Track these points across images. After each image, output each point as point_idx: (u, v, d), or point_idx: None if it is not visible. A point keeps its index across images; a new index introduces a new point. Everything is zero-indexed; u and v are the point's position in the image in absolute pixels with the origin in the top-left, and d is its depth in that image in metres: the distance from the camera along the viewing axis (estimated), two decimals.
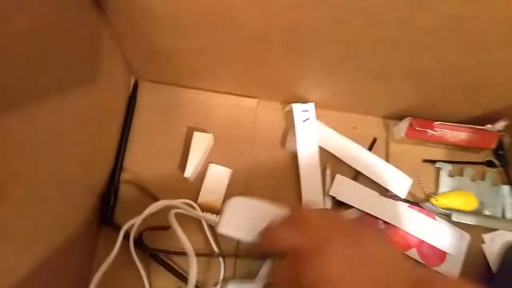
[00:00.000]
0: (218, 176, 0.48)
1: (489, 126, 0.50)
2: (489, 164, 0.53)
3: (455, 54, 0.37)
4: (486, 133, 0.50)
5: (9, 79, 0.24)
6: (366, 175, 0.50)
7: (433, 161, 0.53)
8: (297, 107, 0.49)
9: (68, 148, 0.34)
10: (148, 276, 0.44)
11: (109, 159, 0.46)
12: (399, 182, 0.50)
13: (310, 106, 0.49)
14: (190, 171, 0.46)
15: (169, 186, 0.47)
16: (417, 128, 0.49)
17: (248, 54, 0.42)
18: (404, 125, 0.51)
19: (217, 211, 0.45)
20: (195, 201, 0.46)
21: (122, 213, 0.46)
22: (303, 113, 0.49)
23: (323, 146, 0.50)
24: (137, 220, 0.42)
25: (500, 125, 0.50)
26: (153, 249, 0.44)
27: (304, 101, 0.50)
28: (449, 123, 0.50)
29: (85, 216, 0.41)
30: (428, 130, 0.50)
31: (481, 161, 0.54)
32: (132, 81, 0.51)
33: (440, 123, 0.50)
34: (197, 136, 0.48)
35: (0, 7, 0.21)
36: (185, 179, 0.46)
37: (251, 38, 0.38)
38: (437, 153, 0.53)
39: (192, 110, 0.51)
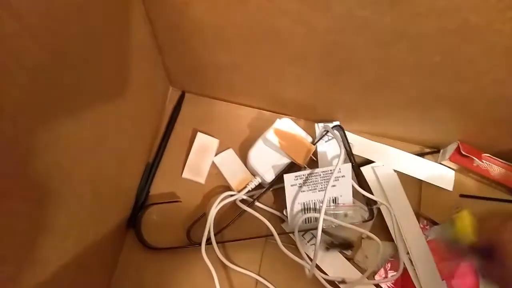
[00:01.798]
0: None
1: None
2: None
3: (496, 83, 0.36)
4: None
5: (63, 78, 0.25)
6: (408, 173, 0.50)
7: (472, 196, 0.50)
8: (320, 127, 0.50)
9: (106, 149, 0.35)
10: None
11: (141, 165, 0.47)
12: (443, 176, 0.50)
13: (336, 126, 0.49)
14: (186, 171, 0.48)
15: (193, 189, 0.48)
16: (463, 153, 0.48)
17: (285, 73, 0.42)
18: (451, 147, 0.49)
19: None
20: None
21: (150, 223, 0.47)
22: (327, 132, 0.48)
23: (357, 153, 0.51)
24: (210, 215, 0.44)
25: None
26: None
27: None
28: (498, 159, 0.49)
29: (115, 219, 0.42)
30: (475, 159, 0.48)
31: None
32: (170, 91, 0.52)
33: (489, 156, 0.49)
34: (200, 137, 0.49)
35: (59, 11, 0.23)
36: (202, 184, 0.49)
37: (290, 58, 0.39)
38: (476, 188, 0.51)
39: (224, 123, 0.52)
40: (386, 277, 0.45)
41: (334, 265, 0.46)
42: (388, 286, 0.45)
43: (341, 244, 0.46)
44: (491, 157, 0.48)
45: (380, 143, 0.52)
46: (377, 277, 0.45)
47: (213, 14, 0.35)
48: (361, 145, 0.51)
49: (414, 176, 0.50)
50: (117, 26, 0.31)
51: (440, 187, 0.50)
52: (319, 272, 0.43)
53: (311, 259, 0.43)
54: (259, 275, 0.45)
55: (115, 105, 0.35)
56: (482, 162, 0.48)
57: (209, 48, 0.41)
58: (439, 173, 0.50)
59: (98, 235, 0.38)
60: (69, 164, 0.29)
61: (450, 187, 0.50)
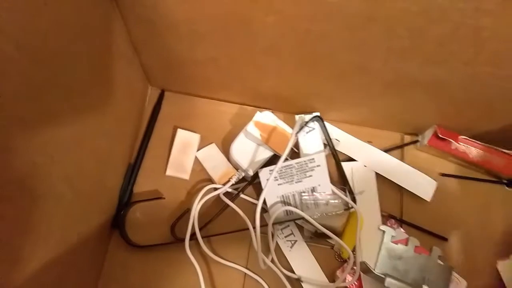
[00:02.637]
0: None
1: None
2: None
3: (466, 65, 0.37)
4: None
5: (34, 74, 0.25)
6: (388, 177, 0.50)
7: (452, 176, 0.51)
8: (300, 118, 0.50)
9: (85, 148, 0.35)
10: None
11: (123, 164, 0.47)
12: (424, 185, 0.49)
13: (315, 116, 0.49)
14: (170, 168, 0.48)
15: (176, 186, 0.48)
16: (441, 137, 0.48)
17: (261, 65, 0.43)
18: (429, 132, 0.50)
19: None
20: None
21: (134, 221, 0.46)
22: (308, 124, 0.49)
23: (342, 151, 0.51)
24: (193, 209, 0.44)
25: None
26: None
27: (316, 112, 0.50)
28: (475, 141, 0.49)
29: (98, 218, 0.41)
30: (453, 142, 0.49)
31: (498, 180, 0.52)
32: (150, 90, 0.52)
33: (466, 138, 0.49)
34: (181, 134, 0.49)
35: (27, 5, 0.23)
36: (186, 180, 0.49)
37: (265, 49, 0.39)
38: (456, 170, 0.52)
39: (206, 120, 0.52)
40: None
41: (302, 262, 0.46)
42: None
43: (323, 234, 0.46)
44: (469, 139, 0.49)
45: (366, 143, 0.52)
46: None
47: (185, 7, 0.35)
48: (347, 142, 0.51)
49: (394, 181, 0.50)
50: (89, 22, 0.31)
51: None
52: (272, 265, 0.44)
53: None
54: (247, 268, 0.45)
55: (92, 103, 0.35)
56: (460, 144, 0.49)
57: (183, 44, 0.41)
58: (420, 182, 0.50)
59: (81, 234, 0.37)
60: (47, 163, 0.29)
61: (428, 198, 0.49)
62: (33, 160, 0.27)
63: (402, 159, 0.52)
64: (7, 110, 0.23)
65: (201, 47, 0.41)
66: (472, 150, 0.49)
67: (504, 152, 0.49)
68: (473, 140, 0.49)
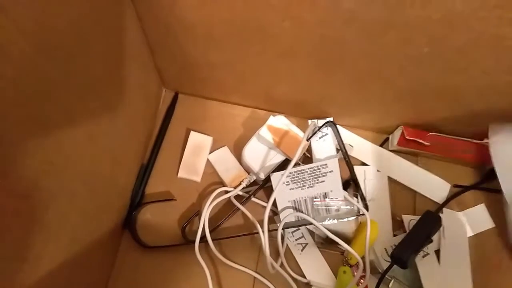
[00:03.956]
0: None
1: (486, 140, 0.47)
2: None
3: (485, 74, 0.37)
4: (481, 147, 0.48)
5: (50, 72, 0.25)
6: (401, 182, 0.50)
7: (463, 186, 0.50)
8: (313, 123, 0.49)
9: (99, 148, 0.35)
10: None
11: (136, 165, 0.47)
12: (437, 188, 0.50)
13: (328, 121, 0.49)
14: (182, 170, 0.48)
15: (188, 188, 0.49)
16: (408, 138, 0.48)
17: (276, 70, 0.43)
18: (397, 133, 0.50)
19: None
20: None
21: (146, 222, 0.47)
22: (321, 129, 0.48)
23: (355, 156, 0.51)
24: (204, 211, 0.44)
25: None
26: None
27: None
28: (443, 135, 0.49)
29: (110, 218, 0.42)
30: (420, 141, 0.49)
31: None
32: (164, 92, 0.53)
33: (433, 134, 0.49)
34: (194, 136, 0.49)
35: (46, 4, 0.23)
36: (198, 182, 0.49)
37: (280, 53, 0.39)
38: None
39: (218, 123, 0.52)
40: None
41: (313, 266, 0.46)
42: None
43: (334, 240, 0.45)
44: (434, 134, 0.49)
45: (380, 148, 0.52)
46: None
47: (201, 11, 0.35)
48: (360, 147, 0.51)
49: (407, 185, 0.50)
50: (106, 22, 0.32)
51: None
52: (281, 269, 0.44)
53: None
54: (256, 272, 0.45)
55: (107, 104, 0.35)
56: (427, 141, 0.49)
57: (199, 47, 0.41)
58: (434, 185, 0.50)
59: (93, 234, 0.38)
60: (62, 162, 0.29)
61: (441, 201, 0.49)
62: (49, 158, 0.27)
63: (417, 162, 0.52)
64: (24, 109, 0.23)
65: (216, 50, 0.41)
66: (439, 145, 0.49)
67: (473, 142, 0.49)
68: (440, 135, 0.49)
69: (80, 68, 0.29)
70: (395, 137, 0.51)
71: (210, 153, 0.50)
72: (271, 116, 0.47)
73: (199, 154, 0.49)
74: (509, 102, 0.41)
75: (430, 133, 0.49)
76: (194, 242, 0.43)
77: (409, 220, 0.48)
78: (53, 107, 0.26)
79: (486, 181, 0.51)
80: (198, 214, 0.45)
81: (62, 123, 0.28)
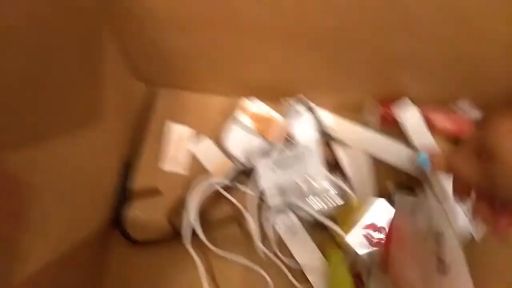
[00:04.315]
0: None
1: (452, 106, 0.50)
2: None
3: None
4: (460, 120, 0.50)
5: (28, 71, 0.25)
6: (382, 158, 0.51)
7: None
8: (291, 106, 0.50)
9: (80, 144, 0.35)
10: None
11: (119, 162, 0.47)
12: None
13: (307, 103, 0.50)
14: (165, 163, 0.48)
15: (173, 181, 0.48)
16: (385, 116, 0.50)
17: (248, 53, 0.43)
18: (374, 110, 0.51)
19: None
20: None
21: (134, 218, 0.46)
22: (299, 111, 0.49)
23: (335, 136, 0.51)
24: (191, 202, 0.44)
25: (475, 113, 0.49)
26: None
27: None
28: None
29: (97, 216, 0.41)
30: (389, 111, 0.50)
31: None
32: (139, 87, 0.52)
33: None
34: (174, 128, 0.49)
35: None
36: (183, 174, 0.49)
37: (250, 34, 0.39)
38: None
39: (197, 113, 0.52)
40: None
41: (303, 250, 0.47)
42: None
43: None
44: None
45: (357, 126, 0.52)
46: None
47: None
48: (339, 127, 0.52)
49: (385, 160, 0.51)
50: (72, 15, 0.31)
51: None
52: (272, 255, 0.45)
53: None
54: (247, 259, 0.45)
55: (82, 100, 0.35)
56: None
57: (168, 36, 0.41)
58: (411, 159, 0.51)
59: (81, 233, 0.37)
60: (45, 158, 0.29)
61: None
62: (32, 154, 0.27)
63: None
64: (5, 106, 0.23)
65: (188, 38, 0.41)
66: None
67: (451, 115, 0.50)
68: None
69: (55, 67, 0.29)
70: (372, 114, 0.52)
71: (191, 144, 0.49)
72: (249, 102, 0.48)
73: (181, 146, 0.49)
74: (474, 71, 0.43)
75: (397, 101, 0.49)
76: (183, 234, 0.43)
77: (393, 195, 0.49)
78: (33, 104, 0.26)
79: None
80: (185, 205, 0.45)
81: (43, 120, 0.28)
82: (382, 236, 0.42)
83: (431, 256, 0.40)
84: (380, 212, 0.43)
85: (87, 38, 0.35)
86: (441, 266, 0.39)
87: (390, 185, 0.49)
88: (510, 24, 0.35)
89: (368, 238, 0.42)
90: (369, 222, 0.43)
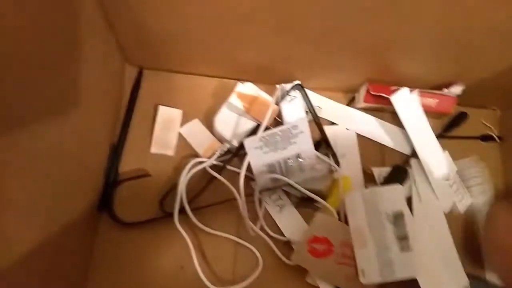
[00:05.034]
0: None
1: (445, 90, 0.51)
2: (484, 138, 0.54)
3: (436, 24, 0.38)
4: (444, 98, 0.51)
5: (6, 50, 0.24)
6: (369, 137, 0.52)
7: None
8: (281, 87, 0.50)
9: (66, 125, 0.34)
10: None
11: (107, 144, 0.47)
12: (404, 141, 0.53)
13: (296, 85, 0.49)
14: (154, 145, 0.48)
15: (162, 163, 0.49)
16: (373, 93, 0.50)
17: (238, 34, 0.42)
18: (362, 91, 0.52)
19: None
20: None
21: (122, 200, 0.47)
22: (289, 92, 0.49)
23: (323, 116, 0.52)
24: (181, 182, 0.44)
25: (458, 89, 0.51)
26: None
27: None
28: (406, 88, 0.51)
29: (85, 198, 0.41)
30: (385, 95, 0.50)
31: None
32: (128, 69, 0.52)
33: (396, 88, 0.51)
34: (163, 110, 0.49)
35: None
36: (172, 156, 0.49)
37: (240, 16, 0.39)
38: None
39: (187, 95, 0.52)
40: None
41: (291, 225, 0.48)
42: None
43: (309, 198, 0.47)
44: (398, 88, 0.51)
45: (347, 107, 0.53)
46: None
47: None
48: (328, 108, 0.53)
49: (376, 140, 0.53)
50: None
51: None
52: (260, 232, 0.46)
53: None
54: (237, 236, 0.46)
55: (69, 83, 0.34)
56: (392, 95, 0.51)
57: (157, 17, 0.40)
58: (400, 138, 0.53)
59: (69, 215, 0.37)
60: (27, 138, 0.28)
61: (408, 152, 0.52)
62: (16, 136, 0.26)
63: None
64: None
65: (174, 19, 0.40)
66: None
67: (435, 93, 0.51)
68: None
69: (41, 46, 0.28)
70: (361, 95, 0.52)
71: (181, 126, 0.49)
72: (240, 83, 0.47)
73: (170, 128, 0.49)
74: (463, 51, 0.43)
75: (394, 87, 0.51)
76: (172, 214, 0.43)
77: (379, 172, 0.50)
78: (16, 83, 0.26)
79: (449, 130, 0.54)
80: (175, 186, 0.46)
81: (27, 100, 0.27)
82: None
83: (391, 238, 0.41)
84: None
85: (74, 19, 0.34)
86: (405, 244, 0.40)
87: (375, 173, 0.50)
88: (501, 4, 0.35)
89: None
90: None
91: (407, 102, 0.50)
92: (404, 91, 0.50)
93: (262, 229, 0.46)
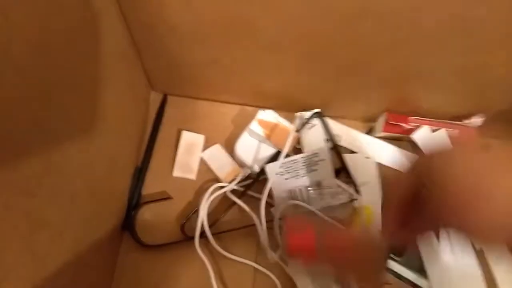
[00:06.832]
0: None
1: (466, 121, 0.51)
2: None
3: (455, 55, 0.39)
4: (463, 129, 0.51)
5: (49, 73, 0.26)
6: (389, 165, 0.52)
7: None
8: (301, 115, 0.51)
9: (96, 147, 0.36)
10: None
11: (131, 167, 0.48)
12: None
13: (316, 113, 0.50)
14: (177, 169, 0.49)
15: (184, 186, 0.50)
16: (391, 122, 0.51)
17: (262, 65, 0.44)
18: (381, 120, 0.53)
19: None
20: None
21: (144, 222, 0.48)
22: (309, 120, 0.50)
23: (343, 144, 0.52)
24: (202, 206, 0.45)
25: (478, 120, 0.51)
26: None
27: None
28: (425, 118, 0.51)
29: (109, 219, 0.42)
30: (403, 125, 0.51)
31: None
32: (152, 95, 0.54)
33: (415, 118, 0.51)
34: (186, 135, 0.50)
35: (41, 9, 0.24)
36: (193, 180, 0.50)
37: (265, 48, 0.41)
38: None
39: (208, 121, 0.53)
40: None
41: None
42: None
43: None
44: (417, 118, 0.51)
45: (366, 135, 0.54)
46: None
47: (186, 11, 0.36)
48: (347, 136, 0.53)
49: (395, 168, 0.52)
50: (92, 25, 0.33)
51: None
52: (278, 258, 0.45)
53: None
54: (256, 262, 0.46)
55: (98, 104, 0.36)
56: (410, 125, 0.51)
57: (184, 47, 0.42)
58: None
59: (94, 235, 0.38)
60: (61, 160, 0.30)
61: None
62: (49, 156, 0.28)
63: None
64: (25, 109, 0.24)
65: (202, 49, 0.42)
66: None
67: (454, 124, 0.51)
68: (422, 118, 0.51)
69: (73, 70, 0.30)
70: (380, 124, 0.53)
71: (203, 151, 0.51)
72: (260, 111, 0.49)
73: (192, 153, 0.50)
74: (484, 83, 0.44)
75: (412, 117, 0.51)
76: (193, 238, 0.44)
77: None
78: (51, 106, 0.27)
79: None
80: (196, 210, 0.46)
81: (60, 122, 0.29)
82: None
83: None
84: None
85: (105, 45, 0.36)
86: None
87: None
88: None
89: None
90: None
91: (427, 140, 0.50)
92: (425, 130, 0.50)
93: (281, 256, 0.46)
